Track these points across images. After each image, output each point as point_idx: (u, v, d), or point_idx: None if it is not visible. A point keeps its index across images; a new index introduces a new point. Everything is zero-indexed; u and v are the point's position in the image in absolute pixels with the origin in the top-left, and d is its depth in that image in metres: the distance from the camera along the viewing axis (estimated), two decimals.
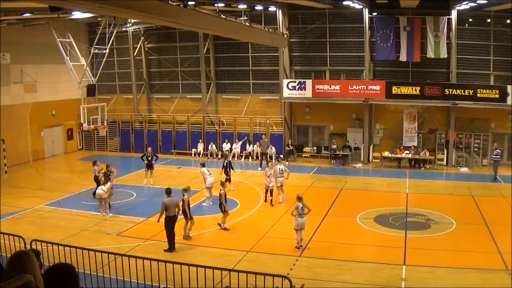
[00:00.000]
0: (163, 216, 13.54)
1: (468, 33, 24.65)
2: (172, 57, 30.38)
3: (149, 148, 22.62)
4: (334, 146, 26.04)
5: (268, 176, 18.24)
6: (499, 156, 22.06)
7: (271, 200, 18.26)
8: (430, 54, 24.23)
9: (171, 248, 13.44)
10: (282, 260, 12.76)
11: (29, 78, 26.47)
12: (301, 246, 13.64)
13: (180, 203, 13.91)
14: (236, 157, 27.31)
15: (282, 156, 26.70)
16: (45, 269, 3.33)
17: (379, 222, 16.00)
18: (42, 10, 18.32)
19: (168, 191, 13.93)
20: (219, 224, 15.43)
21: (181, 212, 14.03)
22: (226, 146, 27.66)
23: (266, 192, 18.55)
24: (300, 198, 13.69)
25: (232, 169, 20.40)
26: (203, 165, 19.06)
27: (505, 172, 22.38)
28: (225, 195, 15.38)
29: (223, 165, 20.36)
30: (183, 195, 14.35)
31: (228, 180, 19.83)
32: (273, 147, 26.47)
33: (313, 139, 28.43)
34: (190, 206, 17.79)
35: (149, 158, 21.41)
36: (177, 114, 29.72)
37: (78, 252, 9.72)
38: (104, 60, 23.71)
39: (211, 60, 29.22)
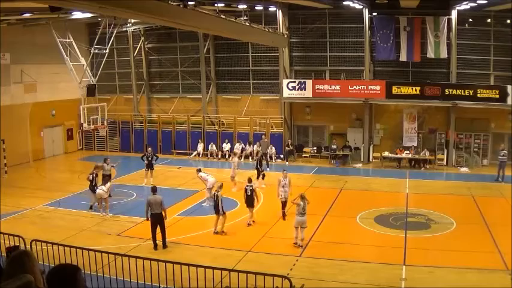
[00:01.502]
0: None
1: (468, 33, 24.64)
2: (172, 57, 30.37)
3: (149, 148, 22.60)
4: (334, 146, 26.04)
5: (283, 186, 16.28)
6: (505, 157, 21.87)
7: (284, 213, 16.49)
8: (430, 54, 24.22)
9: (154, 246, 13.57)
10: (282, 260, 12.76)
11: (29, 78, 26.48)
12: (301, 246, 13.66)
13: (164, 206, 14.01)
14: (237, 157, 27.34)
15: (282, 156, 26.79)
16: (44, 268, 3.31)
17: (379, 222, 15.99)
18: (42, 10, 18.32)
19: (154, 189, 14.04)
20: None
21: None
22: (226, 146, 27.68)
23: (283, 207, 16.43)
24: (302, 197, 13.86)
25: (260, 166, 21.16)
26: (199, 170, 19.09)
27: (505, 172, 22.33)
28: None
29: (256, 161, 21.53)
30: (217, 191, 15.05)
31: (263, 176, 20.72)
32: (273, 147, 26.48)
33: (313, 139, 28.43)
34: (190, 206, 18.01)
35: (149, 158, 21.40)
36: (177, 114, 29.72)
37: (78, 252, 9.72)
38: (104, 60, 23.70)
39: (211, 60, 29.21)
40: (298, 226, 13.69)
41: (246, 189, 15.98)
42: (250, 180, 16.37)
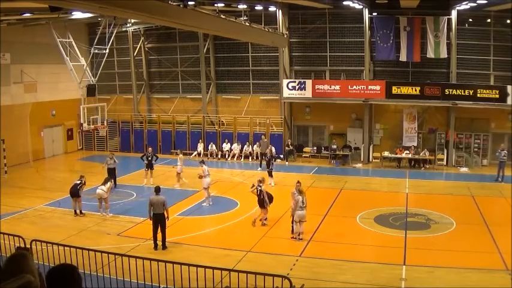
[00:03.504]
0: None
1: (468, 33, 24.64)
2: (172, 57, 30.37)
3: (149, 148, 22.61)
4: (334, 146, 26.03)
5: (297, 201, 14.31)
6: (505, 157, 21.79)
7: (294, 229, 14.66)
8: (430, 54, 24.22)
9: (155, 246, 13.57)
10: (282, 260, 12.76)
11: (29, 78, 26.48)
12: (301, 239, 13.97)
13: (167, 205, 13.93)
14: (236, 157, 27.40)
15: (282, 156, 26.78)
16: (44, 268, 3.31)
17: (379, 222, 15.99)
18: (42, 10, 18.31)
19: (157, 189, 13.99)
20: (260, 220, 15.69)
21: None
22: (226, 146, 27.70)
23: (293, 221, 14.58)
24: (300, 192, 14.12)
25: (271, 165, 21.61)
26: (203, 162, 19.08)
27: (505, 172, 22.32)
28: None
29: (268, 159, 21.77)
30: (260, 186, 15.48)
31: (270, 173, 21.04)
32: (273, 147, 26.45)
33: (313, 139, 28.43)
34: (190, 206, 18.02)
35: (149, 158, 21.42)
36: (177, 114, 29.72)
37: (78, 252, 9.72)
38: (104, 60, 23.71)
39: (211, 60, 29.21)
40: (298, 220, 13.97)
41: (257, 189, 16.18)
42: (262, 180, 16.51)
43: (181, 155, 21.60)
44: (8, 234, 10.36)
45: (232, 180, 22.64)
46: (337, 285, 11.20)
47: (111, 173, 20.58)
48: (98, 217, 16.78)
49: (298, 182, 14.98)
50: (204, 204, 18.29)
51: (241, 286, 8.67)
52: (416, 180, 22.30)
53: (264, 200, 15.35)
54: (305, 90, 26.14)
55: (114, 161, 20.93)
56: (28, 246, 10.03)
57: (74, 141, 30.85)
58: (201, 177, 18.42)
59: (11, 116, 24.81)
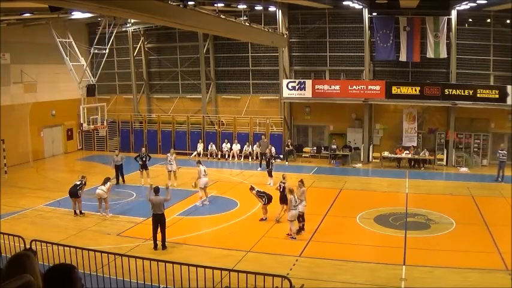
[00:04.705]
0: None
1: (468, 33, 24.64)
2: (172, 57, 30.36)
3: (143, 148, 22.73)
4: (334, 146, 26.04)
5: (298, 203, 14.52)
6: (505, 157, 21.83)
7: (303, 225, 14.98)
8: (430, 54, 24.22)
9: (154, 246, 13.58)
10: (282, 260, 12.76)
11: (29, 78, 26.48)
12: (294, 238, 14.21)
13: (168, 196, 14.05)
14: (236, 157, 27.39)
15: (281, 156, 26.77)
16: (44, 268, 3.32)
17: (379, 222, 15.99)
18: (42, 10, 18.32)
19: (156, 190, 13.97)
20: (261, 220, 16.08)
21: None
22: (226, 146, 27.69)
23: (301, 221, 14.85)
24: (291, 191, 14.30)
25: (271, 164, 21.67)
26: (200, 162, 19.09)
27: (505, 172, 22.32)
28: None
29: (267, 159, 21.90)
30: (283, 183, 15.81)
31: (269, 173, 21.13)
32: (273, 148, 26.45)
33: (313, 139, 28.43)
34: (190, 206, 18.02)
35: (143, 159, 21.42)
36: (176, 114, 29.72)
37: (78, 252, 9.72)
38: (104, 60, 23.73)
39: (211, 60, 29.21)
40: (292, 219, 14.18)
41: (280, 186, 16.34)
42: (283, 177, 16.70)
43: (174, 155, 21.77)
44: (8, 234, 10.36)
45: (232, 180, 22.65)
46: (336, 285, 11.20)
47: (119, 170, 21.14)
48: (98, 217, 16.78)
49: (301, 180, 15.34)
50: (204, 203, 18.28)
51: (241, 286, 8.67)
52: (416, 180, 22.30)
53: (283, 197, 15.53)
54: (305, 90, 26.14)
55: (121, 158, 21.48)
56: (28, 246, 10.04)
57: (74, 141, 30.84)
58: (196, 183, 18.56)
59: (11, 116, 24.81)
